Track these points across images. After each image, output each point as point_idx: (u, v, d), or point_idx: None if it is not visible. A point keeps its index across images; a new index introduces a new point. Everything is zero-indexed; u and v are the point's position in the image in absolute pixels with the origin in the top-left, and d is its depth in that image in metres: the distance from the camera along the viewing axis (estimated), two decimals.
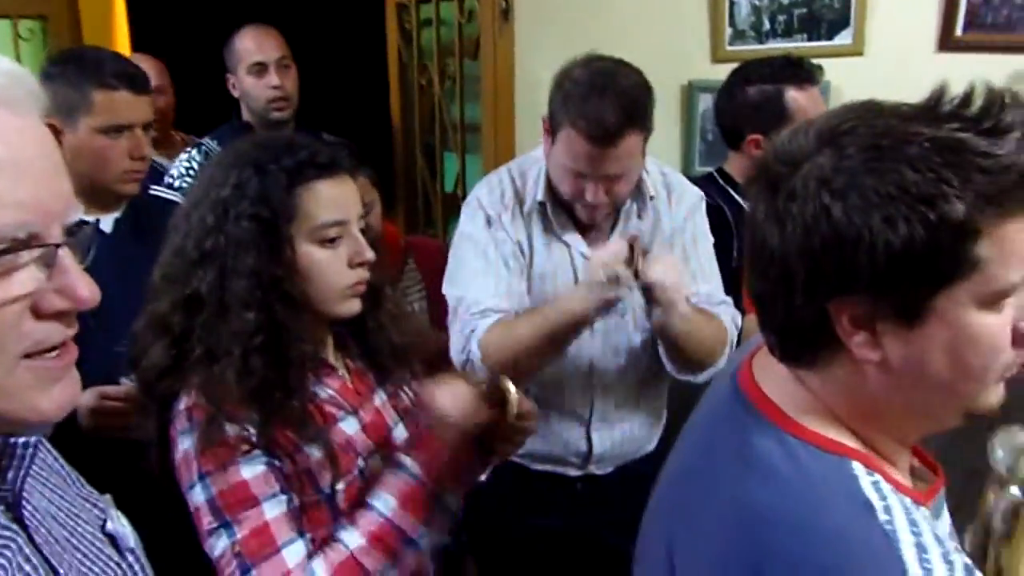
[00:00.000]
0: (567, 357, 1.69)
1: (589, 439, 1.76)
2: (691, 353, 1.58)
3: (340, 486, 1.15)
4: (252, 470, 1.08)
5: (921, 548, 0.67)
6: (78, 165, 1.56)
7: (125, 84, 1.60)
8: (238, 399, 1.07)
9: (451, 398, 1.17)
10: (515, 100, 2.19)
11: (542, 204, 1.65)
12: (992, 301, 0.69)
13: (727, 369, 0.91)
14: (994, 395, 0.75)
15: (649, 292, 1.48)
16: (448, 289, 1.69)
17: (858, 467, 0.73)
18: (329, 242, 1.15)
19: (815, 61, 2.19)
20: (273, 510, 1.08)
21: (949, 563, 0.67)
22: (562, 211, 1.66)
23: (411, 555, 1.14)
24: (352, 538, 1.11)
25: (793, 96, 1.88)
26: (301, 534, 1.09)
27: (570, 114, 1.49)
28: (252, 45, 2.41)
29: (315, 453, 1.13)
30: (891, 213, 0.66)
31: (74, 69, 1.59)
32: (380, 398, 1.29)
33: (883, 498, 0.71)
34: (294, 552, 1.07)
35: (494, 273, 1.63)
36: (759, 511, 0.74)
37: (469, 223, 1.69)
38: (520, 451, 1.76)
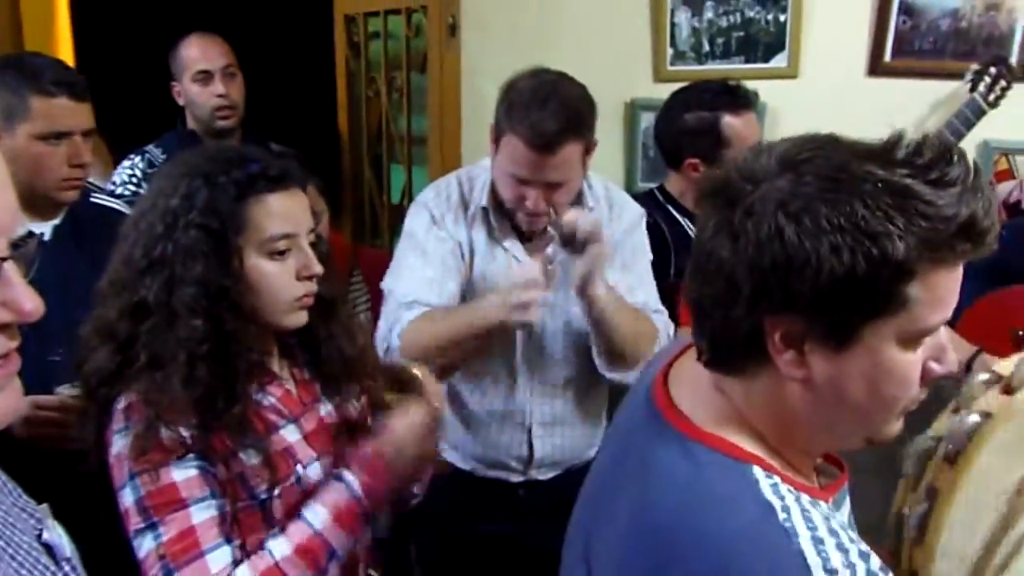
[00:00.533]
0: (506, 361, 1.74)
1: (530, 444, 1.78)
2: (618, 342, 1.61)
3: (276, 493, 1.16)
4: (183, 473, 1.08)
5: (817, 540, 0.71)
6: (16, 171, 1.52)
7: (64, 91, 1.59)
8: (180, 405, 1.08)
9: (405, 425, 1.21)
10: (462, 113, 2.22)
11: (484, 209, 1.70)
12: (912, 339, 0.75)
13: (643, 379, 0.95)
14: (895, 427, 0.81)
15: (571, 244, 1.52)
16: (385, 282, 1.74)
17: (758, 471, 0.78)
18: (278, 255, 1.16)
19: (751, 83, 2.28)
20: (201, 514, 1.08)
21: (844, 551, 0.71)
22: (504, 218, 1.70)
23: (334, 569, 1.15)
24: (280, 547, 1.12)
25: (729, 122, 1.95)
26: (228, 540, 1.10)
27: (512, 121, 1.54)
28: (197, 53, 2.40)
29: (251, 459, 1.13)
30: (839, 242, 0.70)
31: (13, 74, 1.58)
32: (325, 408, 1.30)
33: (781, 498, 0.75)
34: (218, 558, 1.08)
35: (429, 270, 1.67)
36: (660, 520, 0.78)
37: (413, 221, 1.74)
38: (464, 458, 1.80)
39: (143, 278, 1.12)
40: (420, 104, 2.37)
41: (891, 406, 0.78)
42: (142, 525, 1.08)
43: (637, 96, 2.42)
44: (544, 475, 1.82)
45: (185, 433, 1.08)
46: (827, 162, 0.73)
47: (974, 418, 0.91)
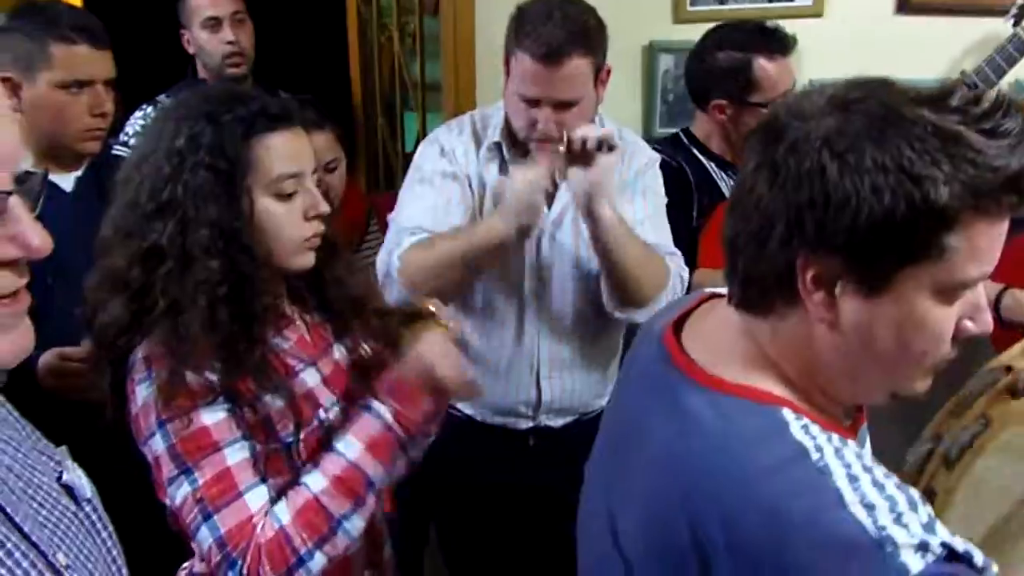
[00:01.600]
0: (514, 302, 1.72)
1: (539, 387, 1.77)
2: (625, 273, 1.58)
3: (300, 436, 1.16)
4: (213, 416, 1.08)
5: (852, 478, 0.71)
6: (38, 121, 1.53)
7: (84, 38, 1.57)
8: (204, 350, 1.07)
9: (431, 348, 1.20)
10: (476, 59, 2.17)
11: (498, 144, 1.68)
12: (948, 291, 0.73)
13: (652, 329, 0.93)
14: (923, 383, 0.80)
15: (582, 159, 1.50)
16: (392, 213, 1.73)
17: (788, 413, 0.77)
18: (286, 195, 1.15)
19: (778, 22, 2.21)
20: (235, 456, 1.09)
21: (880, 486, 0.71)
22: (518, 152, 1.67)
23: (373, 499, 1.15)
24: (316, 481, 1.12)
25: (762, 65, 1.89)
26: (263, 480, 1.10)
27: (519, 38, 1.54)
28: (205, 0, 2.36)
29: (276, 403, 1.13)
30: (881, 183, 0.69)
31: (31, 22, 1.55)
32: (339, 351, 1.30)
33: (813, 438, 0.75)
34: (256, 497, 1.08)
35: (432, 198, 1.66)
36: (695, 463, 0.77)
37: (422, 155, 1.73)
38: (472, 405, 1.79)
39: (153, 222, 1.10)
40: (433, 50, 2.32)
41: (919, 360, 0.77)
42: (176, 472, 1.08)
43: (656, 38, 2.35)
44: (554, 421, 1.81)
45: (211, 377, 1.07)
46: (878, 103, 0.72)
47: (975, 425, 0.90)
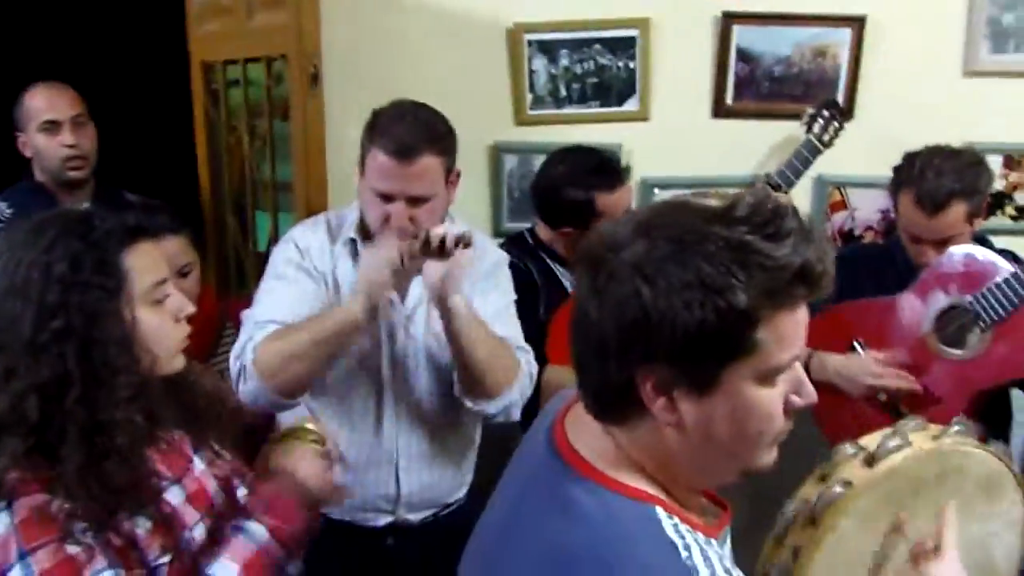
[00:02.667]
0: (372, 394, 1.74)
1: (397, 480, 1.77)
2: (476, 364, 1.63)
3: (168, 559, 1.12)
4: (78, 545, 1.03)
5: None
6: None
7: None
8: (118, 474, 1.04)
9: (303, 463, 1.22)
10: (327, 160, 2.23)
11: (352, 240, 1.73)
12: (767, 377, 0.82)
13: (539, 427, 0.99)
14: (768, 457, 0.88)
15: (436, 254, 1.55)
16: (245, 311, 1.73)
17: (660, 512, 0.84)
18: (158, 302, 1.17)
19: (607, 126, 2.43)
20: None
21: None
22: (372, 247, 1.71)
23: None
24: None
25: (603, 198, 2.06)
26: None
27: (374, 137, 1.62)
28: (43, 103, 2.32)
29: (143, 525, 1.10)
30: (689, 299, 0.77)
31: None
32: (199, 466, 1.27)
33: (682, 537, 0.82)
34: None
35: (287, 294, 1.68)
36: (574, 551, 0.82)
37: (277, 252, 1.76)
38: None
39: (46, 353, 1.07)
40: (284, 151, 2.36)
41: (757, 440, 0.85)
42: None
43: (500, 139, 2.50)
44: (414, 515, 1.81)
45: (76, 505, 1.03)
46: (676, 225, 0.81)
47: (838, 488, 0.99)
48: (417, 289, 1.73)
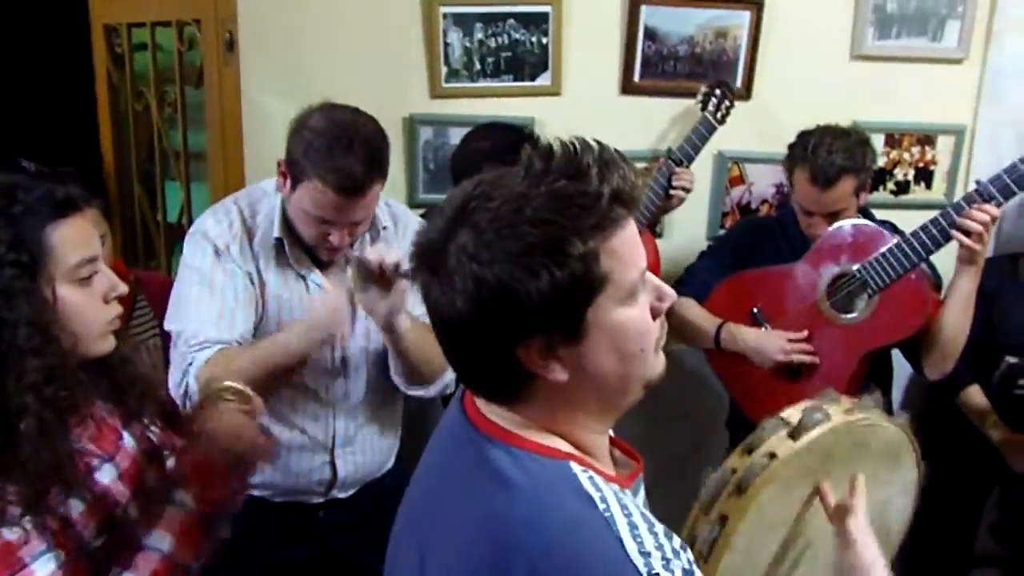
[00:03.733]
0: (306, 387, 1.73)
1: (333, 466, 1.79)
2: (419, 365, 1.66)
3: (101, 540, 1.12)
4: (16, 530, 1.02)
5: (632, 525, 0.82)
6: None
7: None
8: (32, 459, 1.01)
9: (220, 423, 1.21)
10: (243, 130, 2.20)
11: (279, 239, 1.67)
12: (627, 298, 0.85)
13: (454, 400, 1.02)
14: (659, 364, 0.92)
15: (373, 279, 1.52)
16: (169, 324, 1.66)
17: (575, 467, 0.87)
18: (85, 281, 1.12)
19: (520, 100, 2.47)
20: (43, 569, 1.03)
21: (654, 533, 0.83)
22: (299, 247, 1.69)
23: None
24: None
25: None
26: None
27: (316, 167, 1.53)
28: None
29: (77, 507, 1.09)
30: (532, 265, 0.80)
31: None
32: (130, 441, 1.26)
33: (598, 489, 0.85)
34: None
35: (217, 304, 1.61)
36: (499, 513, 0.85)
37: (194, 255, 1.65)
38: (260, 485, 1.77)
39: None
40: (196, 119, 2.31)
41: (643, 356, 0.89)
42: None
43: (415, 111, 2.52)
44: (346, 493, 1.83)
45: (8, 489, 1.02)
46: (490, 203, 0.83)
47: (764, 459, 1.08)
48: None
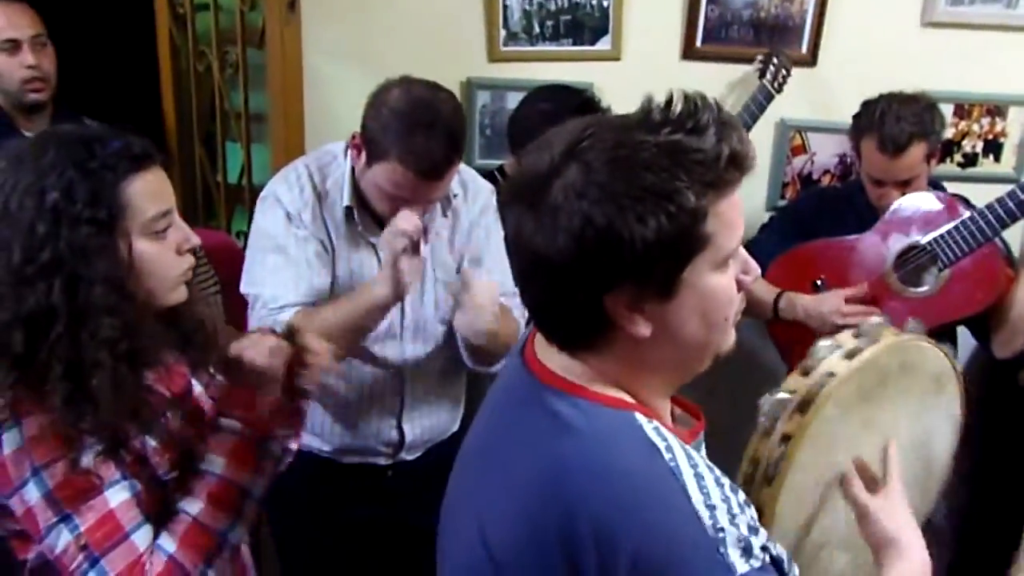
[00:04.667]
0: (375, 351, 1.75)
1: (400, 429, 1.81)
2: (489, 351, 1.68)
3: (174, 473, 1.17)
4: (92, 459, 1.07)
5: (699, 476, 0.82)
6: None
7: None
8: (108, 408, 1.05)
9: (257, 347, 1.23)
10: (304, 93, 2.20)
11: (349, 208, 1.67)
12: (722, 264, 0.85)
13: (512, 354, 1.02)
14: (731, 338, 0.93)
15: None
16: (246, 288, 1.67)
17: (640, 418, 0.87)
18: (160, 233, 1.15)
19: (579, 64, 2.43)
20: (117, 496, 1.08)
21: (720, 485, 0.83)
22: (368, 215, 1.69)
23: (251, 507, 1.18)
24: (192, 505, 1.14)
25: None
26: (147, 518, 1.10)
27: (397, 148, 1.52)
28: (3, 21, 2.25)
29: (151, 442, 1.14)
30: (642, 211, 0.78)
31: None
32: (197, 388, 1.30)
33: (664, 439, 0.85)
34: (142, 536, 1.09)
35: (293, 269, 1.62)
36: (564, 462, 0.85)
37: (267, 219, 1.66)
38: (330, 446, 1.81)
39: (33, 285, 1.05)
40: (257, 80, 2.32)
41: (724, 326, 0.90)
42: (54, 519, 1.05)
43: (473, 75, 2.50)
44: (412, 455, 1.86)
45: (90, 420, 1.06)
46: (604, 144, 0.81)
47: (822, 377, 1.07)
48: (424, 248, 1.72)
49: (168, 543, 1.10)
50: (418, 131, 1.50)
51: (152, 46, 2.66)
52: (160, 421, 1.16)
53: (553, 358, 0.93)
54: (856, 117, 2.14)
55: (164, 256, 1.16)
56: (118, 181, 1.10)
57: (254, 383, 1.22)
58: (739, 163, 0.82)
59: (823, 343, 1.13)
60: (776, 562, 0.82)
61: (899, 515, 1.07)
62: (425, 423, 1.85)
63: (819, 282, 2.16)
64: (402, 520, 1.87)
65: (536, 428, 0.90)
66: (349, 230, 1.69)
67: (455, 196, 1.77)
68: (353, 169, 1.66)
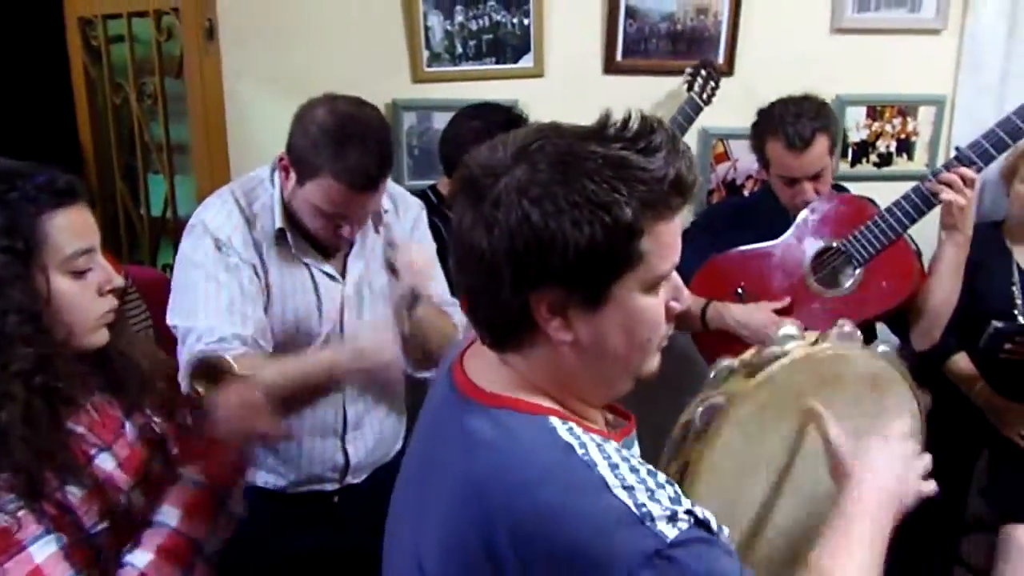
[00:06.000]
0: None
1: (345, 451, 1.80)
2: (430, 348, 1.66)
3: (106, 524, 1.12)
4: (6, 517, 1.02)
5: (613, 465, 0.83)
6: None
7: None
8: (20, 447, 1.01)
9: (234, 401, 1.20)
10: (227, 122, 2.17)
11: (281, 231, 1.65)
12: (652, 286, 0.87)
13: (442, 369, 1.03)
14: (654, 362, 0.94)
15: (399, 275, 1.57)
16: (174, 320, 1.62)
17: (554, 420, 0.88)
18: (79, 273, 1.11)
19: (502, 82, 2.46)
20: (42, 551, 1.03)
21: (635, 470, 0.84)
22: (302, 237, 1.68)
23: (201, 565, 1.14)
24: (141, 557, 1.10)
25: None
26: (78, 573, 1.05)
27: (330, 164, 1.52)
28: None
29: (76, 492, 1.09)
30: (577, 217, 0.80)
31: None
32: (131, 432, 1.26)
33: (577, 438, 0.86)
34: None
35: (225, 298, 1.59)
36: (480, 478, 0.86)
37: (195, 249, 1.63)
38: (276, 476, 1.77)
39: None
40: (177, 110, 2.28)
41: (647, 347, 0.90)
42: None
43: (398, 96, 2.50)
44: (359, 478, 1.84)
45: (3, 475, 1.01)
46: (554, 148, 0.83)
47: (720, 399, 1.08)
48: (358, 266, 1.74)
49: None
50: (349, 145, 1.51)
51: (66, 80, 2.60)
52: (84, 468, 1.11)
53: (480, 372, 0.94)
54: (755, 125, 2.22)
55: (84, 295, 1.12)
56: (39, 214, 1.07)
57: (226, 435, 1.19)
58: (682, 189, 0.84)
59: (723, 363, 1.14)
60: (704, 523, 0.83)
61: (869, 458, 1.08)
62: (369, 443, 1.83)
63: (740, 290, 2.21)
64: (349, 546, 1.84)
65: (455, 447, 0.90)
66: (280, 253, 1.67)
67: (386, 212, 1.77)
68: (282, 191, 1.65)
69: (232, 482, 1.21)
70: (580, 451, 0.84)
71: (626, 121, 0.84)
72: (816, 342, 1.15)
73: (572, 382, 0.91)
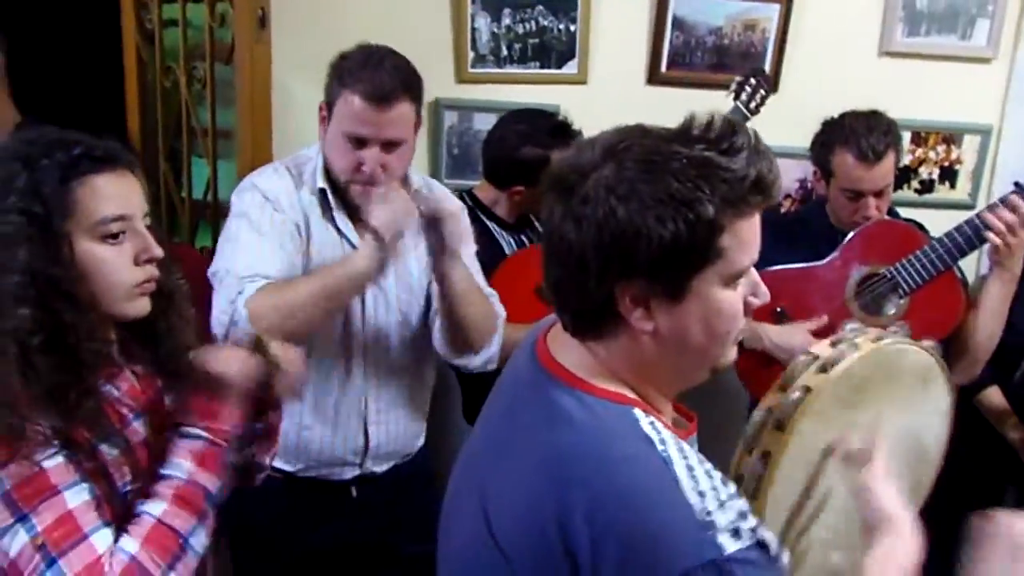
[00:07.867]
0: (342, 347, 1.76)
1: (366, 432, 1.81)
2: (468, 322, 1.69)
3: (138, 485, 1.15)
4: (51, 461, 1.06)
5: (690, 467, 0.88)
6: None
7: None
8: (26, 399, 1.04)
9: (226, 359, 1.22)
10: (272, 110, 2.21)
11: (322, 191, 1.72)
12: (731, 280, 0.91)
13: (521, 350, 1.07)
14: (731, 354, 0.98)
15: (435, 223, 1.61)
16: (216, 264, 1.66)
17: (638, 412, 0.93)
18: (111, 238, 1.13)
19: (545, 87, 2.47)
20: (75, 498, 1.07)
21: (710, 476, 0.88)
22: (338, 197, 1.73)
23: (213, 513, 1.16)
24: (155, 506, 1.12)
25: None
26: (107, 523, 1.09)
27: (347, 82, 1.61)
28: None
29: (112, 452, 1.12)
30: (662, 213, 0.85)
31: None
32: (169, 403, 1.28)
33: (658, 433, 0.91)
34: (101, 538, 1.07)
35: (267, 245, 1.64)
36: (563, 451, 0.91)
37: (243, 202, 1.71)
38: (295, 459, 1.79)
39: None
40: (225, 96, 2.32)
41: (725, 339, 0.95)
42: (11, 520, 1.04)
43: (441, 95, 2.52)
44: (379, 466, 1.86)
45: (45, 424, 1.05)
46: (641, 149, 0.88)
47: (797, 394, 1.11)
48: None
49: (130, 544, 1.08)
50: (368, 65, 1.63)
51: (119, 61, 2.65)
52: (117, 430, 1.14)
53: (563, 354, 0.98)
54: (824, 133, 2.18)
55: (115, 262, 1.14)
56: (66, 180, 1.09)
57: (216, 392, 1.21)
58: (763, 188, 0.89)
59: (799, 359, 1.17)
60: (764, 546, 0.85)
61: (892, 494, 1.10)
62: (391, 428, 1.85)
63: (779, 310, 2.19)
64: (369, 540, 1.86)
65: (540, 420, 0.95)
66: (324, 215, 1.73)
67: (418, 191, 1.78)
68: (325, 160, 1.71)
69: (230, 438, 1.21)
70: (660, 447, 0.89)
71: (709, 124, 0.89)
72: (879, 339, 1.19)
73: (650, 370, 0.95)
